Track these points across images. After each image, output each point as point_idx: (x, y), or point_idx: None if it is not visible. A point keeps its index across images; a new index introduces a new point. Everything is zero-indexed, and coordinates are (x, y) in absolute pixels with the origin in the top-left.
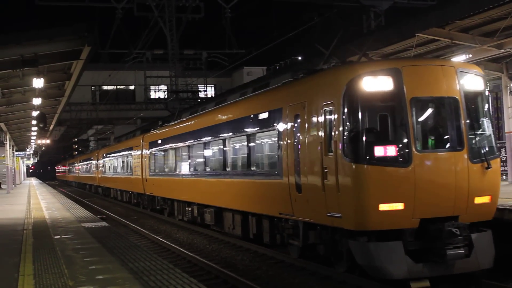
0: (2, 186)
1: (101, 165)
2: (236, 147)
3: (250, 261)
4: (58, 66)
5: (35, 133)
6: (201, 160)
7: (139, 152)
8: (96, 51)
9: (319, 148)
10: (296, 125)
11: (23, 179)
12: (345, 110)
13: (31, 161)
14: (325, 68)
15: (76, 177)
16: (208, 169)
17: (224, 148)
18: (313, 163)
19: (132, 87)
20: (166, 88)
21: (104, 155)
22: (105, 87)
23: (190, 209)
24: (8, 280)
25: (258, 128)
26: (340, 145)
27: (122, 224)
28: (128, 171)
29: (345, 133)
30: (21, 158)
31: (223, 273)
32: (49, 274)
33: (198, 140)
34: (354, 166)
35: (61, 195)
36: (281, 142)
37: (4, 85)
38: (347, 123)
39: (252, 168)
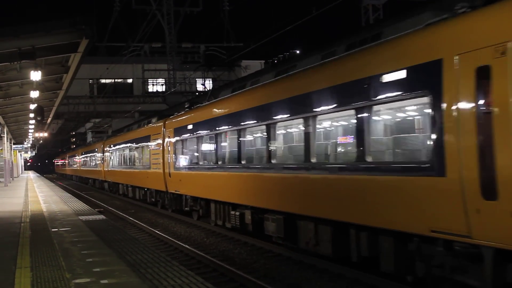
0: None
1: (108, 157)
2: (336, 129)
3: (248, 254)
4: (55, 59)
5: (32, 126)
6: (265, 148)
7: (159, 141)
8: (94, 44)
9: None
10: (480, 86)
11: (20, 172)
12: None
13: (28, 154)
14: None
15: (78, 171)
16: (275, 161)
17: (314, 130)
18: None
19: (130, 81)
20: (164, 81)
21: (112, 146)
22: (103, 80)
23: (237, 213)
24: (6, 273)
25: (382, 97)
26: None
27: (119, 217)
28: (144, 164)
29: None
30: (19, 151)
31: (220, 266)
32: (47, 267)
33: (261, 121)
34: None
35: (58, 188)
36: (440, 117)
37: (1, 78)
38: None
39: (367, 159)
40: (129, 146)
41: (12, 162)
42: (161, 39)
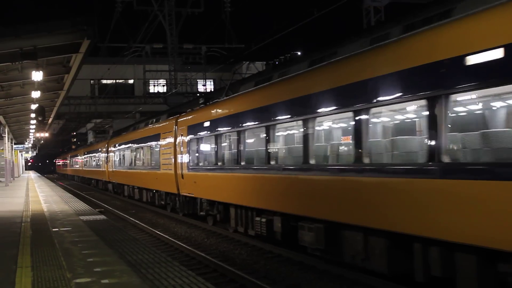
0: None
1: (113, 157)
2: (404, 124)
3: (248, 255)
4: (57, 59)
5: (33, 126)
6: (302, 146)
7: (171, 139)
8: (96, 45)
9: None
10: None
11: (21, 172)
12: None
13: (29, 154)
14: None
15: (80, 171)
16: (313, 161)
17: (369, 125)
18: None
19: (131, 81)
20: (165, 82)
21: (117, 145)
22: (104, 81)
23: (262, 220)
24: (6, 272)
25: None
26: None
27: (120, 218)
28: (152, 164)
29: None
30: (20, 151)
31: (220, 267)
32: (47, 266)
33: (297, 116)
34: None
35: (59, 188)
36: None
37: (3, 78)
38: None
39: (445, 159)
40: (136, 145)
41: (13, 162)
42: (163, 40)
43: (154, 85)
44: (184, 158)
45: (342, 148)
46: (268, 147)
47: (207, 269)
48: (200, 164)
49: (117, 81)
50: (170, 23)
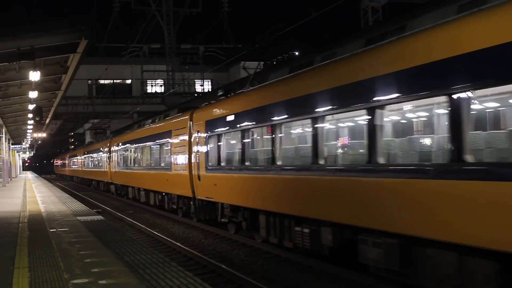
0: None
1: (116, 157)
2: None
3: (246, 255)
4: (54, 59)
5: (31, 127)
6: (368, 142)
7: (185, 137)
8: (93, 45)
9: None
10: None
11: (19, 173)
12: None
13: (27, 155)
14: None
15: (79, 172)
16: (382, 160)
17: (463, 114)
18: None
19: (128, 81)
20: (163, 82)
21: (121, 144)
22: (102, 81)
23: (305, 230)
24: (4, 273)
25: None
26: None
27: (117, 218)
28: (162, 164)
29: None
30: (17, 152)
31: (218, 267)
32: (45, 267)
33: (360, 103)
34: None
35: (57, 188)
36: None
37: (0, 78)
38: None
39: None
40: (143, 144)
41: (10, 163)
42: (160, 40)
43: (152, 85)
44: (201, 157)
45: (421, 143)
46: (318, 143)
47: (205, 269)
48: (222, 164)
49: (114, 81)
50: (168, 23)
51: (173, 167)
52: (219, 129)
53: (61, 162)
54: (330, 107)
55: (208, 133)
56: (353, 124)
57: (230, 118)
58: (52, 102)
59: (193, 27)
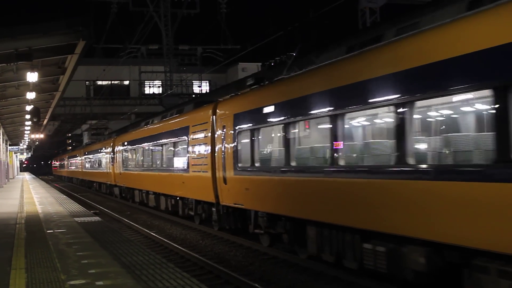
0: None
1: (121, 157)
2: None
3: (243, 257)
4: (52, 60)
5: (28, 128)
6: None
7: (206, 133)
8: (91, 46)
9: None
10: None
11: (16, 174)
12: None
13: (24, 156)
14: None
15: (79, 173)
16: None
17: None
18: None
19: (126, 82)
20: (160, 83)
21: (126, 143)
22: (100, 82)
23: (379, 249)
24: (0, 274)
25: None
26: None
27: (115, 219)
28: (177, 165)
29: None
30: (15, 153)
31: (215, 268)
32: (42, 268)
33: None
34: None
35: (54, 189)
36: None
37: None
38: None
39: None
40: (153, 142)
41: (7, 164)
42: (158, 41)
43: (150, 86)
44: (229, 157)
45: None
46: (403, 137)
47: (202, 270)
48: (257, 164)
49: (112, 82)
50: (166, 24)
51: (191, 168)
52: (253, 124)
53: (59, 163)
54: (420, 92)
55: (237, 128)
56: (457, 112)
57: (269, 109)
58: (50, 103)
59: (191, 28)
